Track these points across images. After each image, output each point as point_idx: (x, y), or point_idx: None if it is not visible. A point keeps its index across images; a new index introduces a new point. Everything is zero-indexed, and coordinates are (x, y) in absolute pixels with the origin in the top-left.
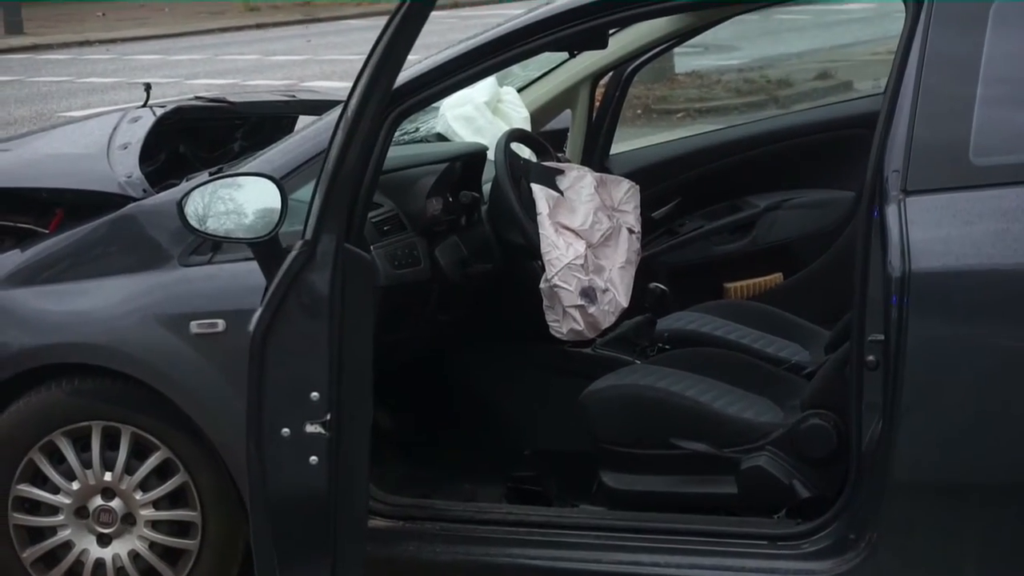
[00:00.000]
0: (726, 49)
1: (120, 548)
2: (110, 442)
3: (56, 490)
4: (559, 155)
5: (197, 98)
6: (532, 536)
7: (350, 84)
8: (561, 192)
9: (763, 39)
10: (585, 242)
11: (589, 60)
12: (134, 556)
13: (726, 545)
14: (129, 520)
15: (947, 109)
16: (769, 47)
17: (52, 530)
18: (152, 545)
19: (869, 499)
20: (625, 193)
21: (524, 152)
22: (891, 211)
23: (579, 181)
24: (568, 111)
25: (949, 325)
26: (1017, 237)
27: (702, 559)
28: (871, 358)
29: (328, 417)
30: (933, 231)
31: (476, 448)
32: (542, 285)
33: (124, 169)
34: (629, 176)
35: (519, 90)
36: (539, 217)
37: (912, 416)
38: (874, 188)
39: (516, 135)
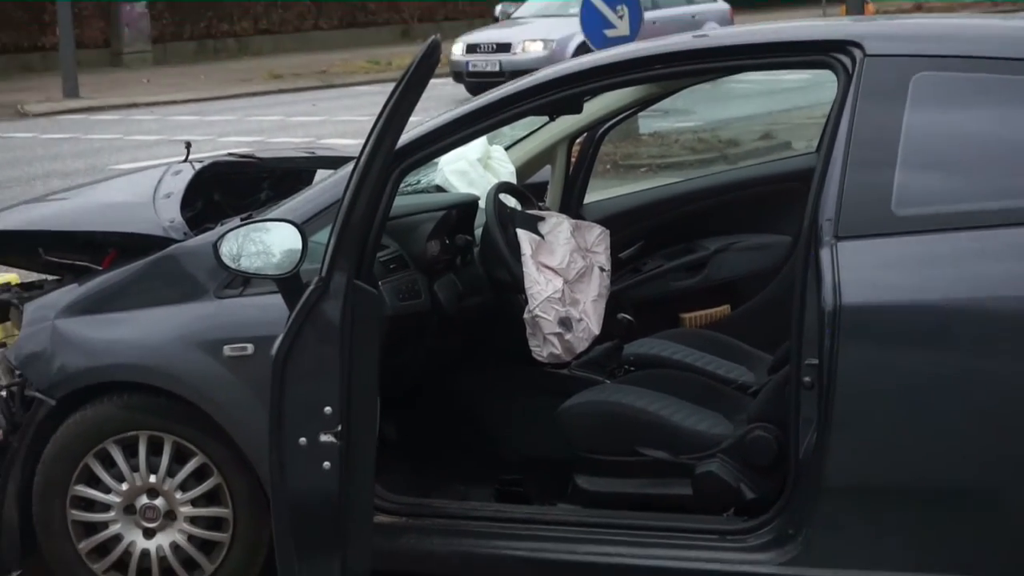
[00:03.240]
0: (683, 113)
1: (163, 540)
2: (154, 449)
3: (108, 490)
4: (540, 204)
5: (229, 154)
6: (516, 530)
7: (361, 142)
8: (542, 236)
9: (715, 105)
10: (562, 279)
11: (566, 123)
12: (175, 547)
13: (682, 539)
14: (170, 516)
15: (872, 166)
16: (720, 111)
17: (104, 525)
18: (190, 538)
19: (805, 500)
20: (597, 237)
21: (510, 202)
22: (825, 254)
23: (557, 227)
24: (548, 166)
25: (873, 352)
26: (931, 277)
27: (661, 551)
28: (807, 379)
29: (339, 428)
30: (860, 272)
31: (469, 455)
32: (525, 315)
33: (167, 215)
34: (600, 222)
35: (506, 148)
36: (523, 258)
37: (842, 429)
38: (810, 234)
39: (503, 187)
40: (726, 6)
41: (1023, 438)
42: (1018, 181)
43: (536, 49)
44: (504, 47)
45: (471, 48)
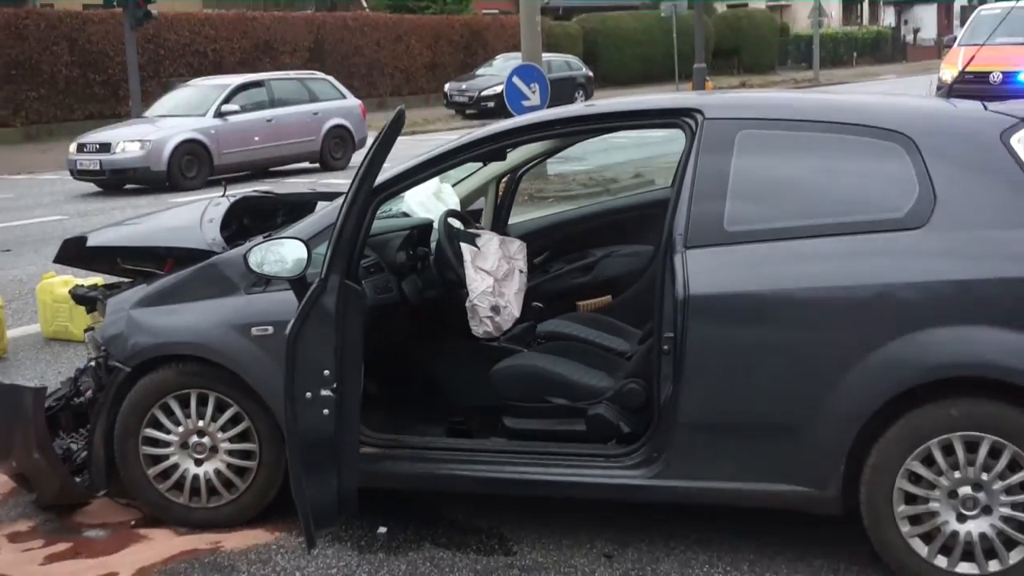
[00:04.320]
0: (578, 159)
1: (208, 467)
2: (201, 402)
3: (168, 432)
4: (477, 225)
5: (255, 191)
6: (461, 456)
7: (349, 182)
8: (478, 248)
9: (601, 153)
10: (493, 278)
11: (495, 167)
12: (217, 472)
13: (579, 461)
14: (213, 450)
15: (710, 197)
16: (604, 158)
17: (165, 457)
18: (228, 465)
19: (665, 433)
20: (517, 248)
21: (456, 224)
22: (677, 259)
23: (489, 241)
24: (483, 198)
25: (711, 327)
26: (750, 274)
27: (564, 470)
28: (665, 347)
29: (335, 386)
30: (702, 271)
31: (427, 403)
32: (467, 304)
33: (210, 235)
34: (520, 238)
35: (452, 185)
36: (465, 263)
37: (689, 383)
38: (667, 244)
39: (451, 213)
40: (356, 102)
41: (812, 387)
42: (805, 206)
43: (134, 149)
44: (105, 147)
45: (80, 147)
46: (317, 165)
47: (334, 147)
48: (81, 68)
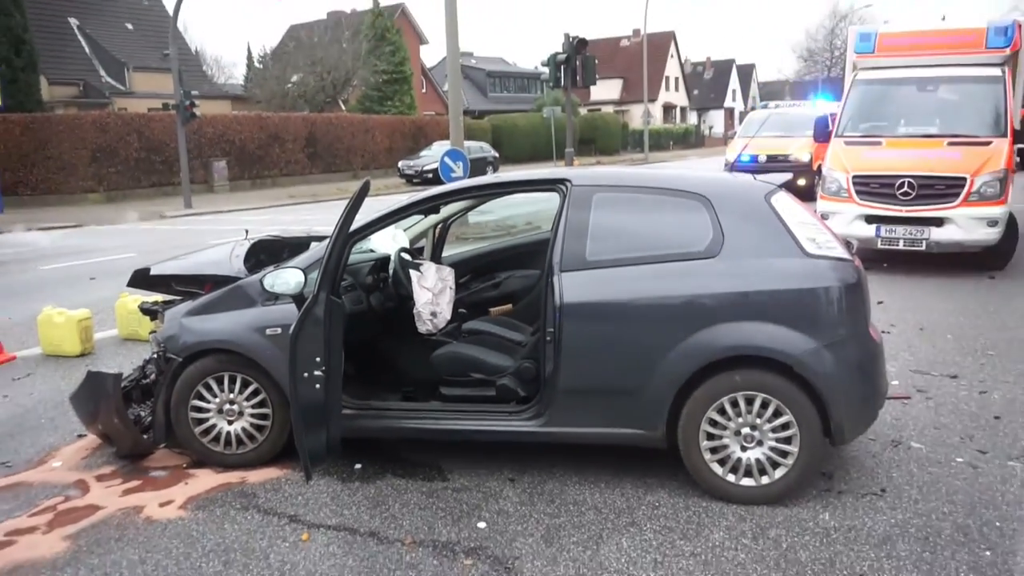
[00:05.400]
0: (489, 212)
1: (237, 426)
2: (231, 381)
3: (208, 401)
4: (420, 257)
5: (268, 235)
6: (411, 415)
7: (333, 229)
8: (421, 272)
9: (504, 208)
10: (432, 293)
11: (433, 218)
12: (243, 429)
13: (492, 416)
14: (240, 414)
15: (576, 238)
16: (507, 211)
17: (207, 419)
18: (251, 424)
19: (548, 396)
20: (448, 272)
21: (406, 256)
22: (555, 279)
23: (429, 268)
24: (424, 239)
25: (577, 324)
26: (601, 289)
27: (481, 422)
28: (548, 338)
29: (324, 368)
30: (570, 287)
31: (388, 379)
32: (414, 311)
33: (237, 265)
34: (450, 266)
35: (404, 230)
36: (413, 283)
37: (564, 362)
38: (549, 269)
39: (403, 249)
40: None
41: (644, 363)
42: (639, 243)
43: None
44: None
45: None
46: None
47: None
48: (146, 152)
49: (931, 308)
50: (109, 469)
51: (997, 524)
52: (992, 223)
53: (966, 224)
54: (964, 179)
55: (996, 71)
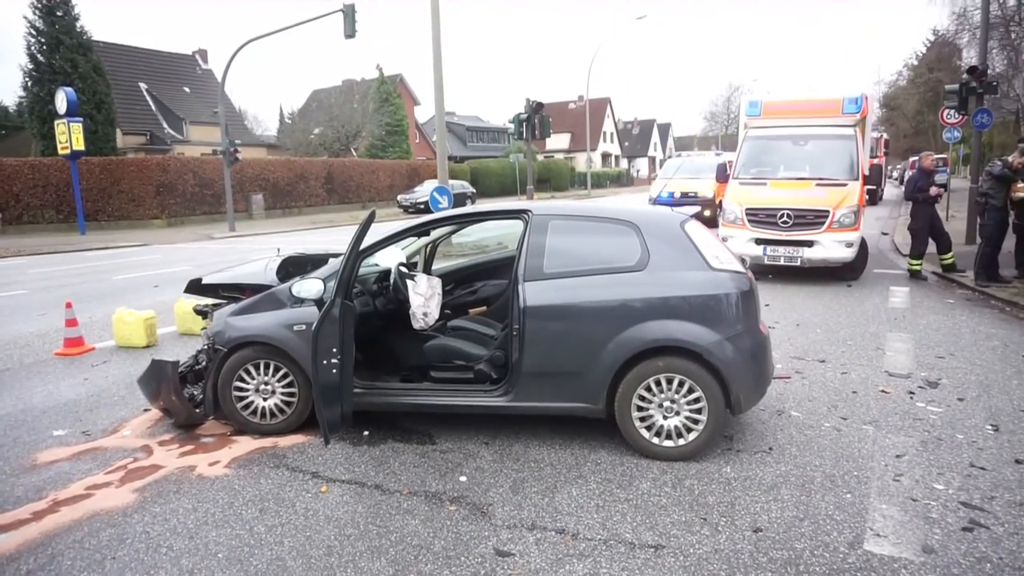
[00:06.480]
0: (468, 235)
1: (270, 402)
2: (267, 367)
3: (248, 383)
4: (415, 271)
5: (295, 252)
6: (407, 393)
7: (346, 248)
8: (415, 282)
9: (481, 231)
10: (424, 298)
11: (425, 239)
12: (275, 405)
13: (471, 393)
14: (273, 393)
15: (536, 256)
16: (483, 234)
17: (247, 397)
18: (281, 401)
19: (515, 378)
20: (437, 282)
21: (404, 269)
22: (520, 287)
23: (422, 278)
24: (418, 255)
25: (537, 322)
26: (555, 295)
27: (463, 398)
28: (515, 333)
29: (339, 356)
30: (532, 293)
31: (389, 365)
32: (410, 312)
33: (270, 276)
34: (438, 277)
35: (403, 248)
36: (409, 290)
37: (527, 351)
38: (515, 279)
39: (401, 263)
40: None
41: (589, 352)
42: (585, 259)
43: None
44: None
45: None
46: None
47: None
48: (199, 187)
49: (805, 309)
50: (168, 436)
51: (855, 473)
52: (849, 245)
53: (830, 245)
54: (828, 212)
55: (850, 131)
